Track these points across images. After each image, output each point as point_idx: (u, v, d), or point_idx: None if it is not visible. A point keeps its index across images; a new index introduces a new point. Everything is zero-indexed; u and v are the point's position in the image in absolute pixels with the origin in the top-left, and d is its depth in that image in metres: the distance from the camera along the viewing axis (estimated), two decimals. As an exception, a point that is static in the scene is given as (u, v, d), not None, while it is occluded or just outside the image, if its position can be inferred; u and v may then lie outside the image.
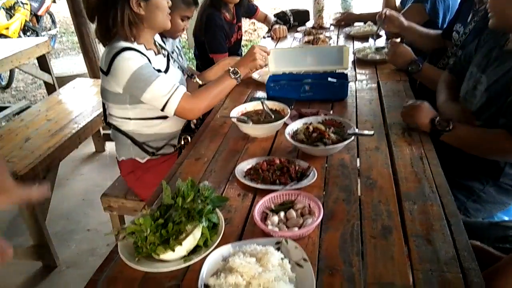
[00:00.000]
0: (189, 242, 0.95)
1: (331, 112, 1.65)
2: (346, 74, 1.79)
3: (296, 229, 0.99)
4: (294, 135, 1.38)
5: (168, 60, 1.75)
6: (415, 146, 1.34)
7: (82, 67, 4.19)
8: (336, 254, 0.93)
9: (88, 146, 3.55)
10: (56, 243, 2.33)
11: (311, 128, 1.36)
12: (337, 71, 1.84)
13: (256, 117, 1.57)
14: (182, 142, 1.73)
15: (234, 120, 1.53)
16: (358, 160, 1.30)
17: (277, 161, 1.25)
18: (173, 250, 0.92)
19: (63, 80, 3.79)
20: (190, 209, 1.00)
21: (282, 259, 0.89)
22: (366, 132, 1.32)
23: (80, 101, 2.81)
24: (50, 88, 3.56)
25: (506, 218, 1.52)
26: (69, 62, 5.81)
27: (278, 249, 0.93)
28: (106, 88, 1.58)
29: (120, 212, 1.94)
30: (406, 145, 1.35)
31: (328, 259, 0.92)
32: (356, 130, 1.33)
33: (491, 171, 1.46)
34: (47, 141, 2.29)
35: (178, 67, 1.88)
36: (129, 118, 1.65)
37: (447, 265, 0.87)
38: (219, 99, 1.64)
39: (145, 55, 1.51)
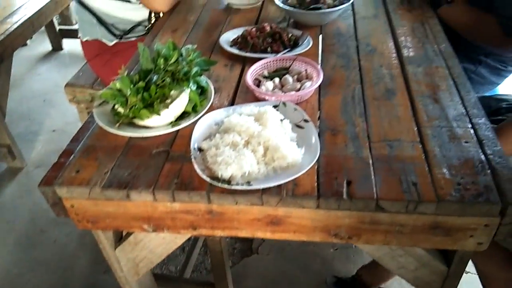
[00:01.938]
0: (176, 107, 0.84)
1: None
2: None
3: (293, 92, 0.90)
4: (285, 1, 1.22)
5: None
6: (415, 13, 1.23)
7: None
8: (337, 116, 0.86)
9: (44, 44, 3.22)
10: (20, 145, 2.18)
11: (303, -8, 1.20)
12: None
13: (238, -14, 1.38)
14: (153, 20, 1.53)
15: (214, -12, 1.34)
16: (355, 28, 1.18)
17: (268, 28, 1.11)
18: (159, 114, 0.81)
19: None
20: (174, 71, 0.87)
21: (281, 120, 0.81)
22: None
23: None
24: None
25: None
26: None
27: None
28: None
29: (88, 104, 1.79)
30: (405, 12, 1.24)
31: (330, 121, 0.85)
32: (354, -6, 1.19)
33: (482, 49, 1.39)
34: (-6, 28, 1.99)
35: None
36: None
37: (456, 121, 0.82)
38: None
39: None
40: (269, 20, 1.26)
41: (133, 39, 1.56)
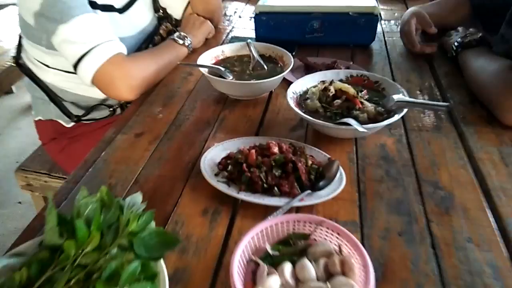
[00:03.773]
0: None
1: (351, 63, 1.09)
2: (374, 7, 1.19)
3: (318, 312, 0.47)
4: (302, 100, 0.83)
5: None
6: (495, 122, 0.81)
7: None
8: None
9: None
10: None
11: (331, 89, 0.80)
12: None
13: (239, 68, 1.00)
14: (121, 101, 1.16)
15: (205, 71, 0.95)
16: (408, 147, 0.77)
17: (275, 149, 0.70)
18: None
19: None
20: (90, 269, 0.46)
21: None
22: (439, 103, 0.77)
23: (6, 36, 2.13)
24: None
25: None
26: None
27: None
28: (20, 12, 1.00)
29: (44, 192, 1.40)
30: (482, 122, 0.82)
31: None
32: (411, 98, 0.78)
33: None
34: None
35: (156, 12, 1.24)
36: (47, 66, 1.06)
37: None
38: (164, 74, 1.07)
39: None
40: (279, 121, 0.86)
41: (101, 120, 1.19)
